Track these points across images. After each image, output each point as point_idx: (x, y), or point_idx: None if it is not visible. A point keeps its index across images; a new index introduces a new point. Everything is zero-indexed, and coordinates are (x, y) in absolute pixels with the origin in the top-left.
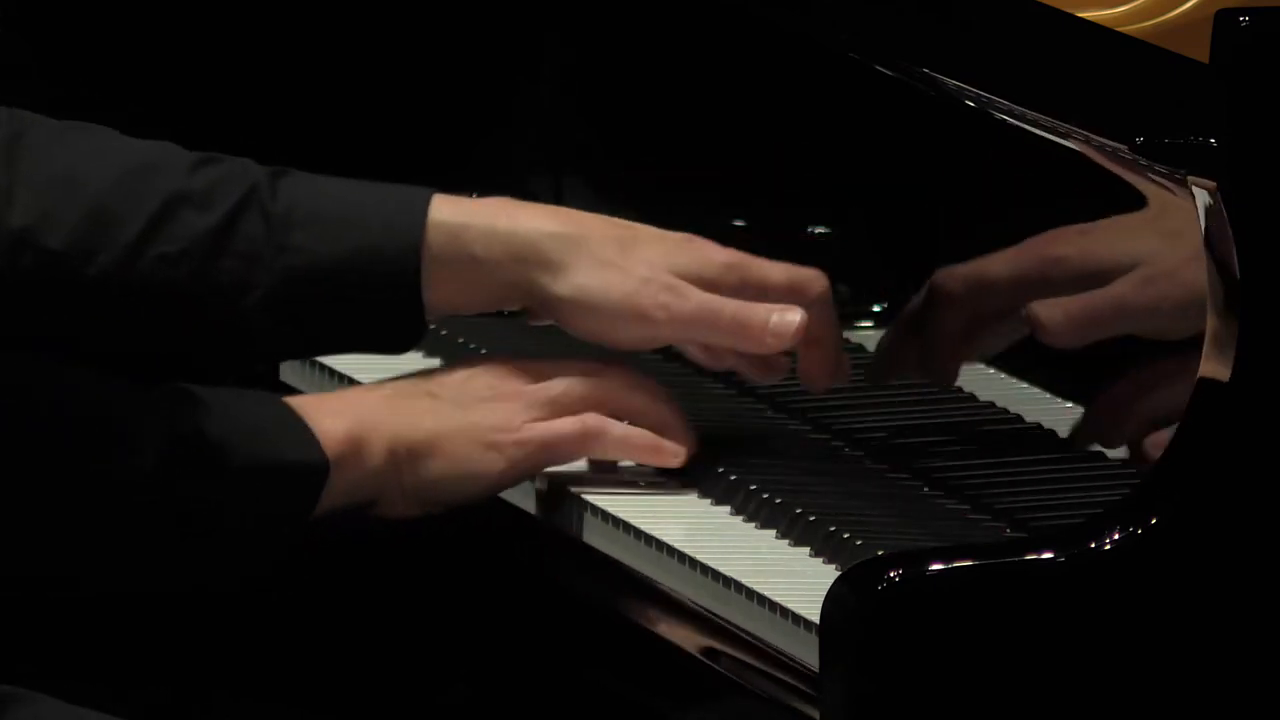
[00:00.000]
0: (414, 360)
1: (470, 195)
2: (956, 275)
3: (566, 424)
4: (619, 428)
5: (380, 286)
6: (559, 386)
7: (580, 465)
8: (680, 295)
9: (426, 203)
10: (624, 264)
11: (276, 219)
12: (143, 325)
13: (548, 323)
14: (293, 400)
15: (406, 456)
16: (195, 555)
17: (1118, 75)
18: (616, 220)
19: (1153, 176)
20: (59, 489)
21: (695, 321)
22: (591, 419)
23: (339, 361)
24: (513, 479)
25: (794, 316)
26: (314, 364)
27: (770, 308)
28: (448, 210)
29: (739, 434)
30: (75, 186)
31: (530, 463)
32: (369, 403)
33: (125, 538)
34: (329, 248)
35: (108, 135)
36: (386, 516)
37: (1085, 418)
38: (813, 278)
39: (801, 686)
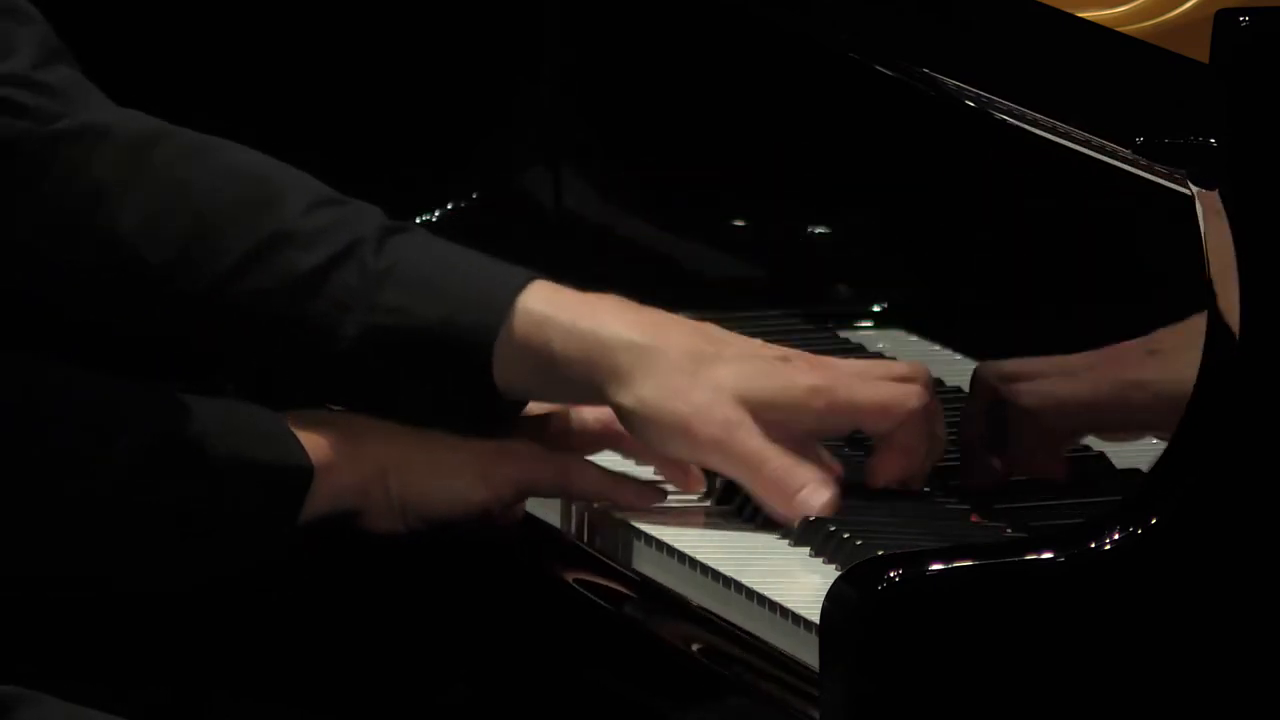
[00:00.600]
0: None
1: (471, 196)
2: (1035, 394)
3: (544, 469)
4: (590, 479)
5: (454, 360)
6: (561, 425)
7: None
8: (731, 434)
9: (521, 286)
10: (690, 384)
11: (373, 274)
12: (230, 348)
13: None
14: (290, 414)
15: (396, 466)
16: (182, 556)
17: (1118, 75)
18: (709, 331)
19: (1152, 177)
20: (43, 487)
21: (737, 465)
22: (572, 467)
23: None
24: (496, 510)
25: (818, 501)
26: None
27: (806, 479)
28: (540, 299)
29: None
30: (186, 206)
31: (512, 500)
32: (372, 419)
33: (110, 537)
34: (414, 312)
35: (244, 157)
36: (370, 529)
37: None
38: (905, 397)
39: (801, 686)
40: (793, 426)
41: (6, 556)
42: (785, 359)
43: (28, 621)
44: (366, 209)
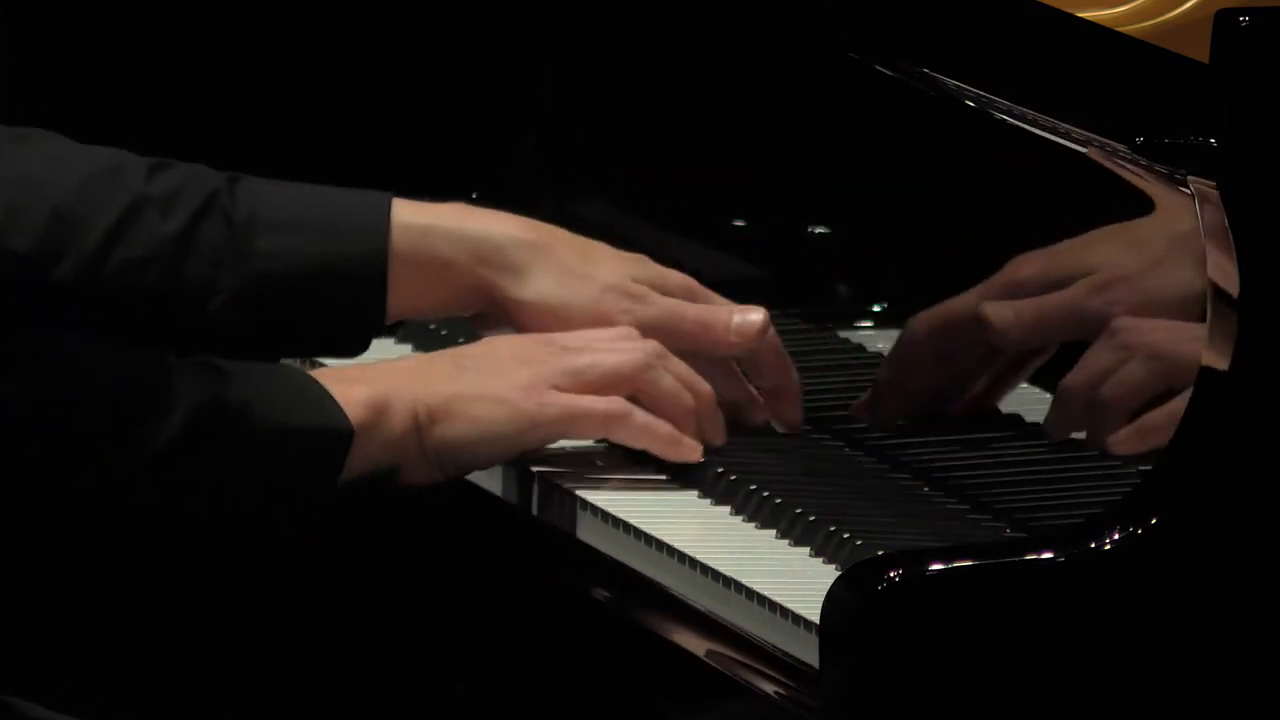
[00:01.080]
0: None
1: (471, 196)
2: (925, 320)
3: (593, 401)
4: (642, 416)
5: (348, 290)
6: (585, 359)
7: (579, 465)
8: (643, 301)
9: (388, 206)
10: (587, 271)
11: (239, 224)
12: (109, 326)
13: (501, 330)
14: (313, 371)
15: (427, 418)
16: (225, 527)
17: (1118, 75)
18: (575, 235)
19: (1152, 177)
20: (90, 459)
21: (659, 325)
22: (618, 403)
23: None
24: (530, 442)
25: (756, 316)
26: None
27: (733, 308)
28: (410, 213)
29: (739, 434)
30: (39, 190)
31: (549, 429)
32: (391, 370)
33: (157, 507)
34: (297, 252)
35: (61, 141)
36: (408, 483)
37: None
38: (755, 308)
39: (801, 687)
40: None
41: (51, 529)
42: (644, 260)
43: (28, 621)
44: (197, 167)
